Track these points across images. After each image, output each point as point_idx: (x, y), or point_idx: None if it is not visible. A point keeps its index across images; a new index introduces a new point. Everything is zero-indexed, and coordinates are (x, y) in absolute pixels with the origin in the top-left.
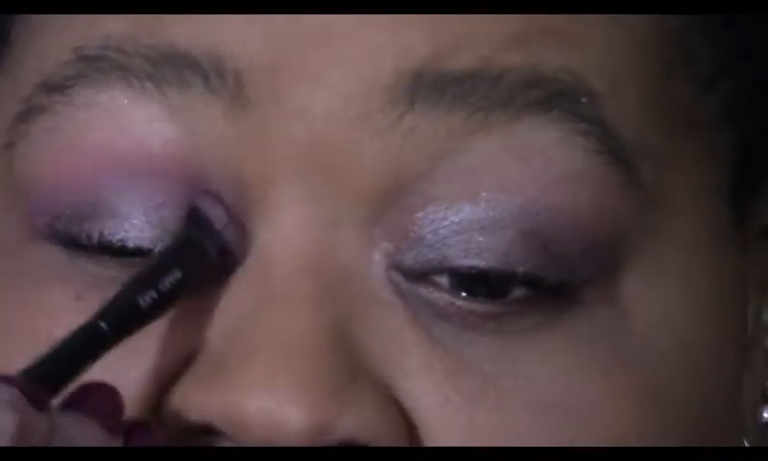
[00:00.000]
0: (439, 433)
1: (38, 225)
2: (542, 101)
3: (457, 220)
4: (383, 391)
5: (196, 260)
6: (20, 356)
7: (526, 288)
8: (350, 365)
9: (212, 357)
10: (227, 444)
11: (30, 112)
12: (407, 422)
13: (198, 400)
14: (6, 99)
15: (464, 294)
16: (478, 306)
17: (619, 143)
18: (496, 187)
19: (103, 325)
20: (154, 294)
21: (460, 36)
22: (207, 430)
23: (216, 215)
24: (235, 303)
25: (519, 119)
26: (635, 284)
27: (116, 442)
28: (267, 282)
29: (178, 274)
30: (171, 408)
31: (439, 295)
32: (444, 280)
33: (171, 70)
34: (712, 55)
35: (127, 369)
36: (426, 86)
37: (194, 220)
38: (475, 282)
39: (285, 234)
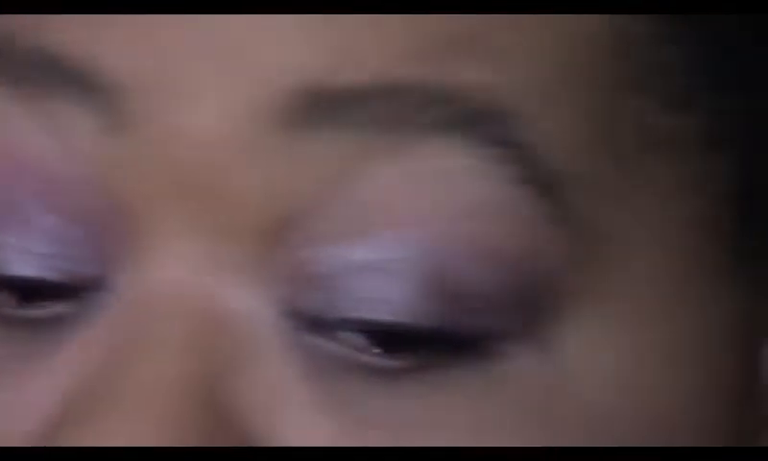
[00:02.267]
0: None
1: None
2: (446, 122)
3: (351, 262)
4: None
5: None
6: None
7: (435, 342)
8: (213, 415)
9: (83, 400)
10: None
11: None
12: None
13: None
14: None
15: (366, 348)
16: (383, 362)
17: (546, 171)
18: (391, 223)
19: None
20: None
21: (352, 48)
22: None
23: None
24: (99, 343)
25: (420, 143)
26: (575, 333)
27: None
28: (133, 324)
29: None
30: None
31: (338, 347)
32: (345, 332)
33: (45, 77)
34: (692, 66)
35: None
36: (315, 107)
37: None
38: (378, 336)
39: (158, 271)
